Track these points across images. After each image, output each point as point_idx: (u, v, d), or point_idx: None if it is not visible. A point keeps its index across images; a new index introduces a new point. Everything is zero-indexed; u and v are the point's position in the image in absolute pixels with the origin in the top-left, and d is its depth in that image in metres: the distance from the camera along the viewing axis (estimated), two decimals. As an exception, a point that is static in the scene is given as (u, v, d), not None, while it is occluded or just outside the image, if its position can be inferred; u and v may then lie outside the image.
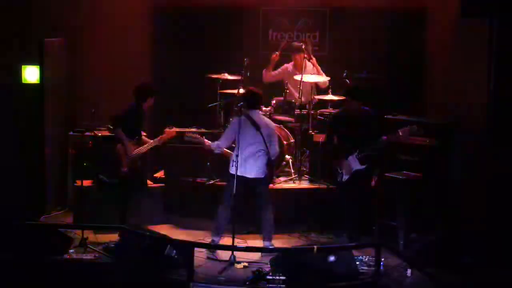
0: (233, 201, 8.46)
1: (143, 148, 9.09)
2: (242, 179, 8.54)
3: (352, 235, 8.58)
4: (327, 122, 9.56)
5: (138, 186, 9.29)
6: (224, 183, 9.47)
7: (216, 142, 8.75)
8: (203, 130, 10.10)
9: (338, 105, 10.29)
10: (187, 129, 9.37)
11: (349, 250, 7.91)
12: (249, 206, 8.92)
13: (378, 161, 8.77)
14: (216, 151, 8.77)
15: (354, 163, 8.60)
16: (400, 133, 8.49)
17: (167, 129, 9.35)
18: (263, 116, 8.93)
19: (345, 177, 8.66)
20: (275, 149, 8.70)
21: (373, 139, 8.54)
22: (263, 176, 8.68)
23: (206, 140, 8.85)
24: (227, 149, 8.81)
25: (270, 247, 8.68)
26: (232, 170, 8.56)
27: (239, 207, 8.59)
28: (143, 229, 8.60)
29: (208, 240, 8.95)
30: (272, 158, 8.66)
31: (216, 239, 8.69)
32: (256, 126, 8.57)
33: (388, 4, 11.00)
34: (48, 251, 8.10)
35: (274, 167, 8.91)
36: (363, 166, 8.60)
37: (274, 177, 9.31)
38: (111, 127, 9.14)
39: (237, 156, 8.49)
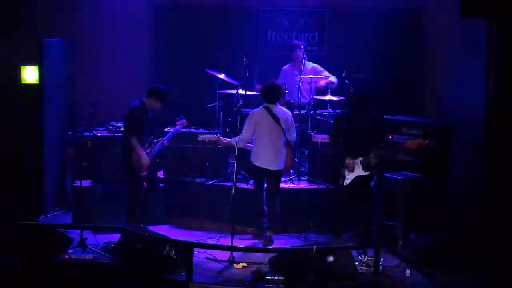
0: (232, 199, 8.53)
1: (157, 146, 9.15)
2: (265, 171, 8.92)
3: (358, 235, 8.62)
4: (332, 123, 9.51)
5: (157, 181, 9.40)
6: (224, 183, 9.56)
7: (235, 138, 8.90)
8: (202, 130, 10.12)
9: (337, 105, 10.30)
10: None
11: (348, 250, 7.91)
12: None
13: (378, 162, 8.74)
14: (239, 146, 8.88)
15: (358, 168, 8.56)
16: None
17: (178, 121, 9.44)
18: (281, 107, 9.13)
19: (347, 181, 8.60)
20: (293, 136, 9.05)
21: (376, 143, 8.52)
22: (282, 168, 8.99)
23: (221, 138, 9.10)
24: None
25: (271, 236, 8.86)
26: (256, 163, 8.94)
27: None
28: (143, 229, 8.59)
29: (208, 240, 9.01)
30: (291, 144, 9.00)
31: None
32: (275, 118, 8.84)
33: (388, 4, 10.99)
34: (47, 252, 8.09)
35: (293, 155, 9.23)
36: (367, 173, 8.55)
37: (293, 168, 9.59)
38: (125, 138, 9.06)
39: (257, 148, 8.89)
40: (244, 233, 9.27)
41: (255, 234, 9.23)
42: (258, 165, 8.96)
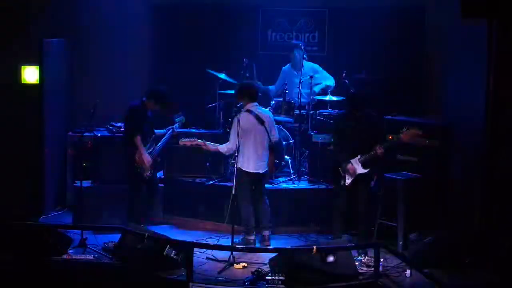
0: (232, 200, 8.51)
1: (158, 146, 9.17)
2: (253, 176, 8.75)
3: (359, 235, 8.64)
4: (331, 124, 9.49)
5: (157, 181, 9.44)
6: (224, 183, 9.54)
7: (225, 146, 8.79)
8: (202, 130, 10.12)
9: (337, 105, 10.30)
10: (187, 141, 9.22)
11: (348, 250, 7.91)
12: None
13: (377, 162, 8.74)
14: (228, 153, 8.95)
15: (357, 167, 8.57)
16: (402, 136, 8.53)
17: (176, 119, 9.41)
18: (261, 108, 8.99)
19: (348, 181, 8.61)
20: (275, 136, 8.94)
21: (375, 143, 8.53)
22: (267, 169, 8.89)
23: (208, 144, 8.90)
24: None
25: (270, 235, 8.84)
26: (244, 167, 8.69)
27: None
28: (143, 229, 8.59)
29: (207, 240, 9.00)
30: (274, 143, 8.89)
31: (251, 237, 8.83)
32: (260, 120, 8.71)
33: (387, 4, 10.99)
34: (47, 252, 8.10)
35: (273, 159, 9.14)
36: (366, 170, 8.57)
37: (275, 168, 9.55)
38: (130, 137, 9.05)
39: (244, 153, 8.68)
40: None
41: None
42: (245, 169, 8.71)
